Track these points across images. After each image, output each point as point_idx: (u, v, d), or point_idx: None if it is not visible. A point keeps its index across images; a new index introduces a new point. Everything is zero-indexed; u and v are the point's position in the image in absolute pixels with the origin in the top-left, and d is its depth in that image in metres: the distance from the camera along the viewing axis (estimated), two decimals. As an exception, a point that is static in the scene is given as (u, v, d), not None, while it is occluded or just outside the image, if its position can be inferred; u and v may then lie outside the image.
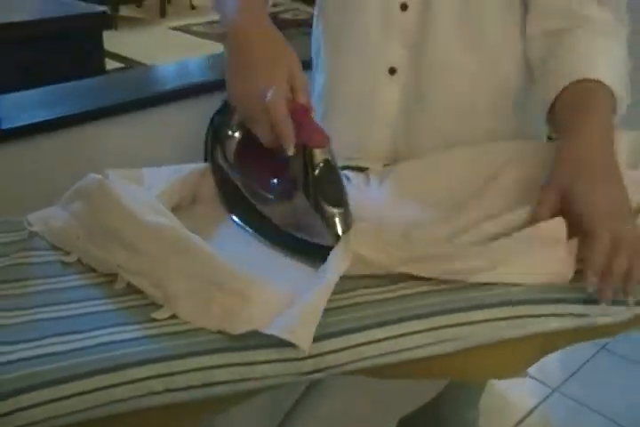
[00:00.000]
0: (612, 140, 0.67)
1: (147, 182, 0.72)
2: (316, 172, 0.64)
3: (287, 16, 5.40)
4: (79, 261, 0.67)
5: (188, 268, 0.59)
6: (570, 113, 0.72)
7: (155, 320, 0.58)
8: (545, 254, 0.61)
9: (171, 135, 1.35)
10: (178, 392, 0.54)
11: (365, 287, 0.60)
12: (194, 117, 1.36)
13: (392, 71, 0.86)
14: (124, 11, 5.16)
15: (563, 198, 0.64)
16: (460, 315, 0.57)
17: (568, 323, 0.59)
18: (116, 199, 0.64)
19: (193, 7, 5.57)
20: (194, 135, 1.38)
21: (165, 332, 0.57)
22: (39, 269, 0.67)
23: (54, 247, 0.69)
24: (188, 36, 4.82)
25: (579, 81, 0.73)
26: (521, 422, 1.76)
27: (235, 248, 0.66)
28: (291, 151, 0.64)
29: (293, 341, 0.54)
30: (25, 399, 0.52)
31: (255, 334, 0.55)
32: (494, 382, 1.64)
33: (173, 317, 0.58)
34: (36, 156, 1.17)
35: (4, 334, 0.57)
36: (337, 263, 0.59)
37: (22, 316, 0.60)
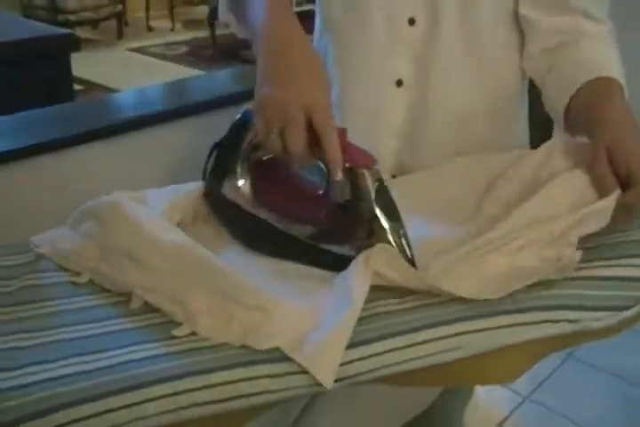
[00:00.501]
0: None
1: (151, 203, 0.74)
2: (373, 193, 0.65)
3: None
4: (90, 281, 0.69)
5: (207, 284, 0.61)
6: (593, 102, 0.78)
7: (174, 338, 0.60)
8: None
9: (146, 160, 1.36)
10: (203, 407, 0.56)
11: (378, 299, 0.63)
12: (168, 142, 1.39)
13: (399, 83, 0.89)
14: (80, 33, 5.12)
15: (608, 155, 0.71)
16: (464, 324, 0.61)
17: (564, 329, 0.63)
18: (131, 219, 0.66)
19: (150, 29, 5.58)
20: (170, 158, 1.40)
21: (186, 348, 0.58)
22: (50, 290, 0.68)
23: (62, 268, 0.71)
24: (146, 57, 4.82)
25: (593, 80, 0.80)
26: (496, 429, 1.81)
27: (243, 264, 0.68)
28: (338, 176, 0.64)
29: (317, 377, 0.56)
30: (51, 420, 0.53)
31: (276, 347, 0.57)
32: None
33: (193, 333, 0.60)
34: (8, 183, 1.17)
35: (25, 356, 0.58)
36: (359, 287, 0.61)
37: (41, 337, 0.61)
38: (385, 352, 0.59)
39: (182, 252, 0.64)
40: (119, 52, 4.93)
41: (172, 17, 5.76)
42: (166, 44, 5.10)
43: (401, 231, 0.65)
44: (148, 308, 0.64)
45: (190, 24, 5.85)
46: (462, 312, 0.62)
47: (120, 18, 5.22)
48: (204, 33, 5.29)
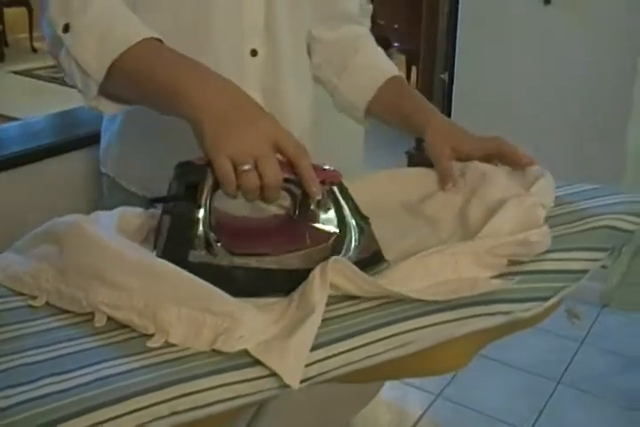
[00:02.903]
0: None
1: (102, 225, 0.75)
2: (349, 203, 0.73)
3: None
4: (47, 304, 0.69)
5: (176, 296, 0.64)
6: (404, 100, 1.00)
7: (147, 351, 0.62)
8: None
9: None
10: (183, 414, 0.58)
11: (335, 303, 0.68)
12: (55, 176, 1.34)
13: None
14: (-43, 56, 4.91)
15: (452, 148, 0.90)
16: (414, 321, 0.67)
17: (500, 320, 0.70)
18: (93, 239, 0.67)
19: (34, 50, 5.36)
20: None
21: (160, 360, 0.61)
22: (8, 315, 0.67)
23: (17, 293, 0.71)
24: (31, 80, 4.63)
25: (387, 81, 1.02)
26: (413, 427, 1.89)
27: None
28: (319, 196, 0.68)
29: (284, 379, 0.60)
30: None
31: (246, 353, 0.61)
32: (379, 396, 1.76)
33: (165, 346, 0.62)
34: None
35: (-4, 381, 0.59)
36: (319, 297, 0.65)
37: (8, 362, 0.61)
38: (345, 351, 0.64)
39: (149, 267, 0.66)
40: (2, 74, 4.71)
41: (57, 38, 5.56)
42: (53, 67, 4.91)
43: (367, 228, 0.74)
44: (113, 325, 0.65)
45: (77, 44, 5.69)
46: (411, 310, 0.68)
47: (0, 39, 5.01)
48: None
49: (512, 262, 0.75)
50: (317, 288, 0.66)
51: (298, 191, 0.71)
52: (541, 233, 0.75)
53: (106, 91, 0.77)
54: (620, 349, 2.17)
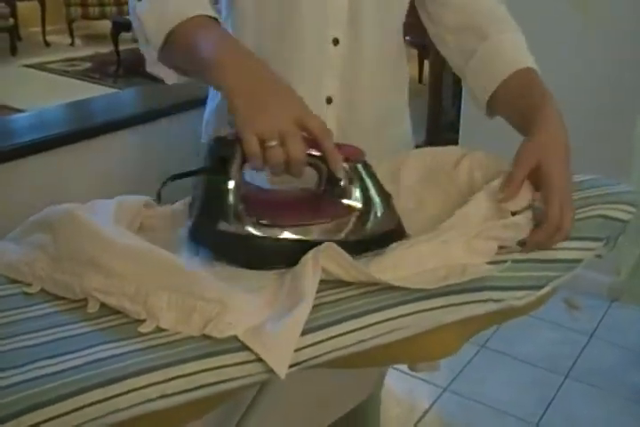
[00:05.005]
0: (564, 126, 0.83)
1: (98, 213, 0.76)
2: (372, 180, 0.75)
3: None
4: (43, 290, 0.70)
5: (167, 282, 0.65)
6: (525, 100, 0.87)
7: (139, 336, 0.63)
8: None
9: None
10: (171, 397, 0.59)
11: (325, 289, 0.69)
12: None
13: (329, 101, 0.96)
14: (-32, 50, 4.96)
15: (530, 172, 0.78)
16: (406, 306, 0.68)
17: (491, 307, 0.71)
18: (87, 226, 0.68)
19: (47, 44, 5.40)
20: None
21: (152, 345, 0.62)
22: (4, 302, 0.69)
23: (12, 281, 0.72)
24: (44, 73, 4.67)
25: (516, 72, 0.90)
26: (419, 421, 1.89)
27: (197, 266, 0.72)
28: (342, 174, 0.72)
29: (271, 366, 0.61)
30: (27, 420, 0.55)
31: (236, 337, 0.62)
32: (388, 389, 1.77)
33: (156, 331, 0.64)
34: None
35: (-7, 363, 0.60)
36: (309, 282, 0.66)
37: (4, 346, 0.62)
38: (336, 336, 0.65)
39: (141, 253, 0.67)
40: (14, 68, 4.76)
41: (70, 32, 5.60)
42: (67, 60, 4.96)
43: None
44: (106, 311, 0.67)
45: (91, 39, 5.73)
46: (402, 297, 0.68)
47: (12, 33, 5.05)
48: (106, 48, 5.18)
49: (504, 251, 0.75)
50: (309, 274, 0.67)
51: (323, 167, 0.73)
52: (527, 216, 0.76)
53: (164, 60, 0.83)
54: (629, 343, 2.15)
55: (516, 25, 0.97)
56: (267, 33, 0.90)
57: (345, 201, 0.75)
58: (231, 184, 0.71)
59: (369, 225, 0.75)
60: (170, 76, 0.86)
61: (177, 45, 0.79)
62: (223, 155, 0.72)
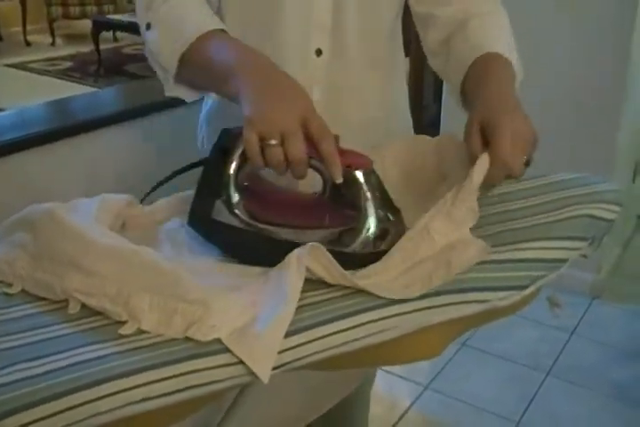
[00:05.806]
0: (514, 88, 0.83)
1: (80, 212, 0.75)
2: (375, 191, 0.71)
3: (129, 51, 5.37)
4: (23, 291, 0.69)
5: (149, 283, 0.64)
6: (479, 75, 0.85)
7: (120, 338, 0.62)
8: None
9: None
10: (155, 400, 0.59)
11: (309, 291, 0.68)
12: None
13: None
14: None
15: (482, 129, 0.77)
16: (393, 307, 0.67)
17: (476, 308, 0.70)
18: (68, 226, 0.67)
19: (28, 44, 5.35)
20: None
21: (133, 347, 0.61)
22: (-18, 302, 0.68)
23: None
24: (25, 73, 4.63)
25: (479, 57, 0.87)
26: (400, 419, 1.90)
27: (180, 263, 0.71)
28: (339, 179, 0.69)
29: (254, 370, 0.60)
30: (10, 422, 0.54)
31: (219, 340, 0.61)
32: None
33: (138, 333, 0.63)
34: None
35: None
36: (293, 282, 0.66)
37: (-18, 348, 0.61)
38: (320, 338, 0.64)
39: (122, 254, 0.66)
40: (-5, 67, 4.71)
41: (51, 31, 5.57)
42: (48, 60, 4.92)
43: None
44: (87, 312, 0.66)
45: (72, 38, 5.69)
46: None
47: (-8, 33, 5.00)
48: (87, 47, 5.16)
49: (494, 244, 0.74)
50: (294, 273, 0.66)
51: (326, 172, 0.72)
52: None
53: (181, 79, 0.85)
54: (611, 340, 2.17)
55: (497, 6, 0.96)
56: (251, 42, 0.85)
57: (340, 209, 0.73)
58: (227, 176, 0.72)
59: (353, 241, 0.71)
60: (189, 95, 0.88)
61: (191, 64, 0.81)
62: (226, 146, 0.73)
